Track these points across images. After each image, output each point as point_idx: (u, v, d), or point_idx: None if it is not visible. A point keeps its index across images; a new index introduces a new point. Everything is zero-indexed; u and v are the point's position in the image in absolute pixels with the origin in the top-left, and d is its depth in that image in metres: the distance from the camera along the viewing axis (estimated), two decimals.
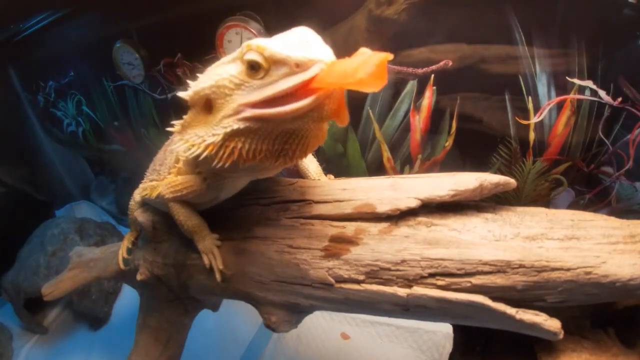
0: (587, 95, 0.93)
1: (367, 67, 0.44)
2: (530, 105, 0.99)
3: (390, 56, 0.45)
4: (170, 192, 0.70)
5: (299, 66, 0.48)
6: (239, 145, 0.54)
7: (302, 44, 0.50)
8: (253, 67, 0.51)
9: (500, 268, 0.52)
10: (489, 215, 0.61)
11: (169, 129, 0.61)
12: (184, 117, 0.60)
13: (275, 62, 0.50)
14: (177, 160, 0.72)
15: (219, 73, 0.55)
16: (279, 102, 0.50)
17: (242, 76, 0.52)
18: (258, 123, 0.52)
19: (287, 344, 1.33)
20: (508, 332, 0.55)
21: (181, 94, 0.59)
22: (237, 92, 0.53)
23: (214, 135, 0.55)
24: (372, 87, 0.45)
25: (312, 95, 0.48)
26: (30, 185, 2.16)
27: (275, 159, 0.56)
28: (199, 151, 0.56)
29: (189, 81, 0.59)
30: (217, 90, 0.54)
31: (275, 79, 0.50)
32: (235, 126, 0.53)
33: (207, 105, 0.57)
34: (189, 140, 0.58)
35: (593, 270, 0.49)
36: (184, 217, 0.72)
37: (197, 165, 0.67)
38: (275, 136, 0.54)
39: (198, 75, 0.59)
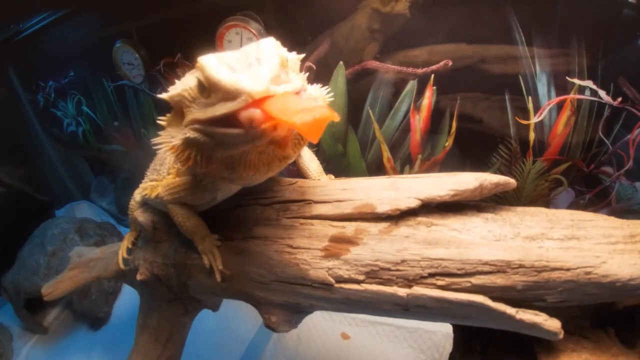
0: (587, 95, 0.93)
1: (307, 115, 0.43)
2: (530, 105, 0.99)
3: (337, 118, 0.45)
4: (169, 194, 0.71)
5: (228, 94, 0.47)
6: (193, 153, 0.55)
7: (250, 63, 0.48)
8: (200, 85, 0.51)
9: (500, 268, 0.52)
10: (489, 215, 0.61)
11: (158, 121, 0.62)
12: (167, 115, 0.62)
13: (211, 85, 0.49)
14: (176, 161, 0.73)
15: (185, 83, 0.55)
16: (229, 123, 0.49)
17: (195, 92, 0.53)
18: (204, 137, 0.52)
19: (287, 344, 1.33)
20: (508, 332, 0.54)
21: (161, 95, 0.60)
22: (193, 105, 0.54)
23: (178, 139, 0.56)
24: (308, 136, 0.45)
25: (243, 126, 0.47)
26: (30, 185, 2.16)
27: (229, 170, 0.56)
28: (166, 149, 0.58)
29: (177, 81, 0.60)
30: (181, 99, 0.55)
31: (214, 101, 0.49)
32: (188, 135, 0.54)
33: (181, 110, 0.58)
34: (163, 137, 0.60)
35: (593, 270, 0.49)
36: (183, 218, 0.72)
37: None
38: (222, 153, 0.54)
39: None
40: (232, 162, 0.55)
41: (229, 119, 0.48)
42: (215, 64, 0.49)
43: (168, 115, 0.62)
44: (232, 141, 0.50)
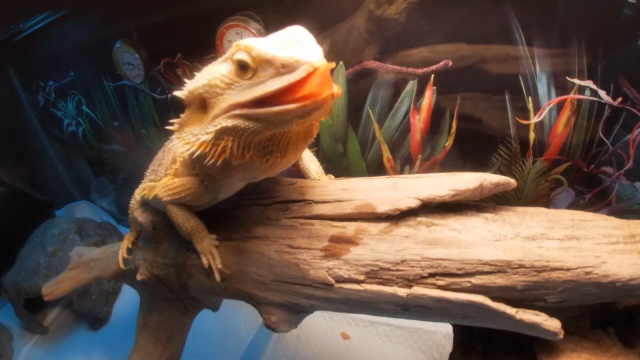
0: (587, 95, 0.93)
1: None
2: (530, 105, 0.99)
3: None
4: (168, 194, 0.70)
5: (285, 67, 0.48)
6: (229, 143, 0.54)
7: (292, 44, 0.49)
8: (242, 67, 0.51)
9: (500, 268, 0.52)
10: (489, 215, 0.61)
11: (168, 127, 0.62)
12: (181, 115, 0.61)
13: (262, 63, 0.50)
14: (174, 161, 0.72)
15: (211, 72, 0.55)
16: (269, 103, 0.50)
17: (232, 76, 0.53)
18: (246, 122, 0.52)
19: (287, 344, 1.33)
20: (508, 332, 0.55)
21: (177, 93, 0.59)
22: (228, 91, 0.53)
23: (207, 133, 0.55)
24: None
25: (300, 101, 0.48)
26: (30, 185, 2.17)
27: (264, 156, 0.56)
28: (193, 149, 0.57)
29: (185, 80, 0.60)
30: (209, 89, 0.55)
31: (262, 79, 0.50)
32: (224, 124, 0.53)
33: (203, 104, 0.57)
34: (184, 139, 0.59)
35: (593, 270, 0.49)
36: (182, 219, 0.72)
37: (194, 166, 0.67)
38: (263, 136, 0.54)
39: (195, 73, 0.59)
40: (270, 146, 0.55)
41: (269, 98, 0.50)
42: (264, 43, 0.49)
43: (182, 115, 0.61)
44: (283, 119, 0.50)
